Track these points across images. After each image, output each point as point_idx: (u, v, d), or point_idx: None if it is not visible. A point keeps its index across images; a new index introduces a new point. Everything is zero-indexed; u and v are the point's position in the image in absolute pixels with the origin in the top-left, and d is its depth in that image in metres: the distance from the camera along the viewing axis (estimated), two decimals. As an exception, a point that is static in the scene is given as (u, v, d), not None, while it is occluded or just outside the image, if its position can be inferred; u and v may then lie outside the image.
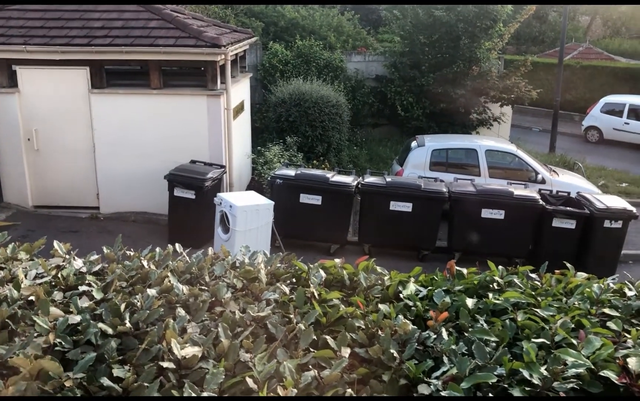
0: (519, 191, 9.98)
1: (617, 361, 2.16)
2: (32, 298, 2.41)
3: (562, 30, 18.07)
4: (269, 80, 15.94)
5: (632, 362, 2.11)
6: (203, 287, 2.68)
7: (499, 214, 9.67)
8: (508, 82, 15.81)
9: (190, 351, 2.08)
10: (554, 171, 12.14)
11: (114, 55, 10.13)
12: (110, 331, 2.20)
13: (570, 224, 9.48)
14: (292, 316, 2.41)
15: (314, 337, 2.23)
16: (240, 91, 12.11)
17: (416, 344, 2.28)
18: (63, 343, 2.11)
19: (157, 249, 3.01)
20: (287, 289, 2.66)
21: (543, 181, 11.28)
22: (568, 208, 9.65)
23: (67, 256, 2.88)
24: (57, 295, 2.49)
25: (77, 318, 2.24)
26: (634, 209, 9.48)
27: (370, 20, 24.91)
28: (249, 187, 12.08)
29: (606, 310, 2.62)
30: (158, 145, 10.45)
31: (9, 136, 10.41)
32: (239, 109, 11.83)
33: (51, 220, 10.30)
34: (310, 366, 2.10)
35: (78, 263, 2.81)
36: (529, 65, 16.32)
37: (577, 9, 35.00)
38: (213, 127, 10.51)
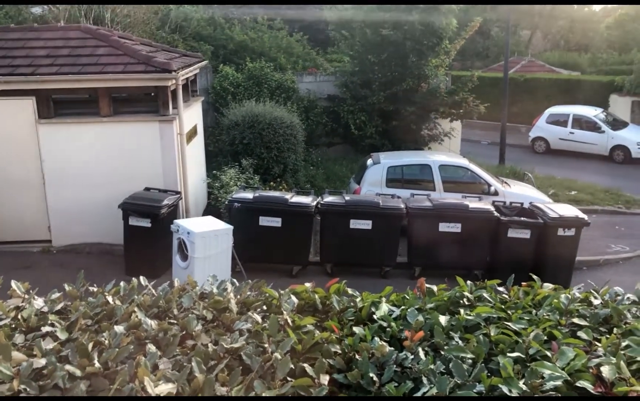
0: (473, 204, 10.17)
1: (591, 370, 2.20)
2: (-9, 343, 2.28)
3: (505, 44, 18.61)
4: (220, 103, 15.84)
5: (605, 371, 2.15)
6: (172, 321, 2.60)
7: (455, 228, 9.82)
8: (456, 97, 16.15)
9: (164, 388, 2.01)
10: (505, 182, 12.43)
11: (61, 83, 9.86)
12: (78, 373, 2.10)
13: (525, 234, 9.69)
14: (266, 345, 2.36)
15: (292, 366, 2.19)
16: (192, 115, 11.98)
17: (394, 366, 2.27)
18: (28, 389, 2.00)
19: (122, 283, 2.92)
20: (259, 318, 2.61)
21: (496, 193, 11.52)
22: (522, 218, 9.87)
23: (27, 296, 2.75)
24: (19, 338, 2.37)
25: (42, 362, 2.13)
26: (585, 217, 9.75)
27: (318, 41, 25.12)
28: (205, 213, 11.91)
29: (575, 320, 2.67)
30: (111, 173, 10.20)
31: (-48, 171, 9.98)
32: (192, 133, 11.70)
33: (1, 256, 9.88)
34: (289, 396, 2.06)
35: (39, 303, 2.69)
36: (476, 81, 16.72)
37: (518, 23, 36.18)
38: (166, 153, 10.34)
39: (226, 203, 10.32)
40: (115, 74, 9.78)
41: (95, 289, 2.86)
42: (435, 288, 3.02)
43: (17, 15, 16.24)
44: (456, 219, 9.83)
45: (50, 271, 9.31)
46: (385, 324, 2.65)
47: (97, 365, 2.13)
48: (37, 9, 17.42)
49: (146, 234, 9.35)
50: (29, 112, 10.01)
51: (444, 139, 16.54)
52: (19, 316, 2.54)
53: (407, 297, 2.97)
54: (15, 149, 10.12)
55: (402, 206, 9.98)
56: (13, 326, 2.50)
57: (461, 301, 2.92)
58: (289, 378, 2.15)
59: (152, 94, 10.50)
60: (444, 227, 9.83)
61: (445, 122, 16.49)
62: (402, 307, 2.83)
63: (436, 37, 15.73)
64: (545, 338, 2.47)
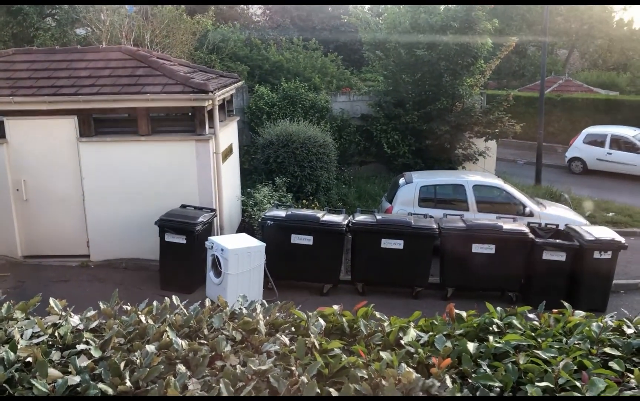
0: (508, 225, 10.03)
1: (622, 402, 2.16)
2: (29, 359, 2.36)
3: (542, 64, 18.42)
4: (256, 122, 16.06)
5: (637, 403, 2.11)
6: (202, 341, 2.65)
7: (489, 249, 9.70)
8: (491, 117, 16.02)
9: (193, 409, 2.05)
10: (541, 203, 12.24)
11: (102, 103, 10.16)
12: (110, 391, 2.16)
13: (561, 257, 9.52)
14: (293, 368, 2.38)
15: (318, 390, 2.21)
16: (228, 134, 12.16)
17: (420, 393, 2.27)
18: (62, 406, 2.07)
19: (155, 303, 2.98)
20: (287, 340, 2.63)
21: (531, 214, 11.35)
22: (558, 241, 9.70)
23: (64, 313, 2.84)
24: (55, 355, 2.45)
25: (77, 379, 2.20)
26: (622, 240, 9.53)
27: (352, 61, 25.31)
28: (239, 230, 12.04)
29: (607, 349, 2.63)
30: (148, 191, 10.41)
31: (-3, 187, 10.33)
32: (228, 152, 11.87)
33: (41, 270, 10.16)
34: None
35: (75, 320, 2.77)
36: (511, 100, 16.57)
37: (555, 42, 35.74)
38: (202, 171, 10.51)
39: (259, 220, 10.42)
40: (153, 94, 10.01)
41: (128, 308, 2.94)
42: (464, 313, 3.00)
43: (62, 36, 16.80)
44: (490, 241, 9.71)
45: (88, 285, 9.51)
46: (412, 350, 2.64)
47: (128, 384, 2.19)
48: (80, 31, 18.00)
49: (181, 251, 9.50)
50: (71, 130, 10.32)
51: (479, 158, 16.39)
52: (56, 334, 2.62)
53: (436, 323, 2.96)
54: (58, 166, 10.44)
55: (435, 226, 9.91)
56: (50, 342, 2.58)
57: (490, 328, 2.89)
58: (315, 402, 2.17)
59: (190, 113, 10.70)
60: (477, 248, 9.72)
61: (480, 141, 16.34)
62: (430, 333, 2.83)
63: (471, 56, 15.69)
64: (576, 367, 2.43)
